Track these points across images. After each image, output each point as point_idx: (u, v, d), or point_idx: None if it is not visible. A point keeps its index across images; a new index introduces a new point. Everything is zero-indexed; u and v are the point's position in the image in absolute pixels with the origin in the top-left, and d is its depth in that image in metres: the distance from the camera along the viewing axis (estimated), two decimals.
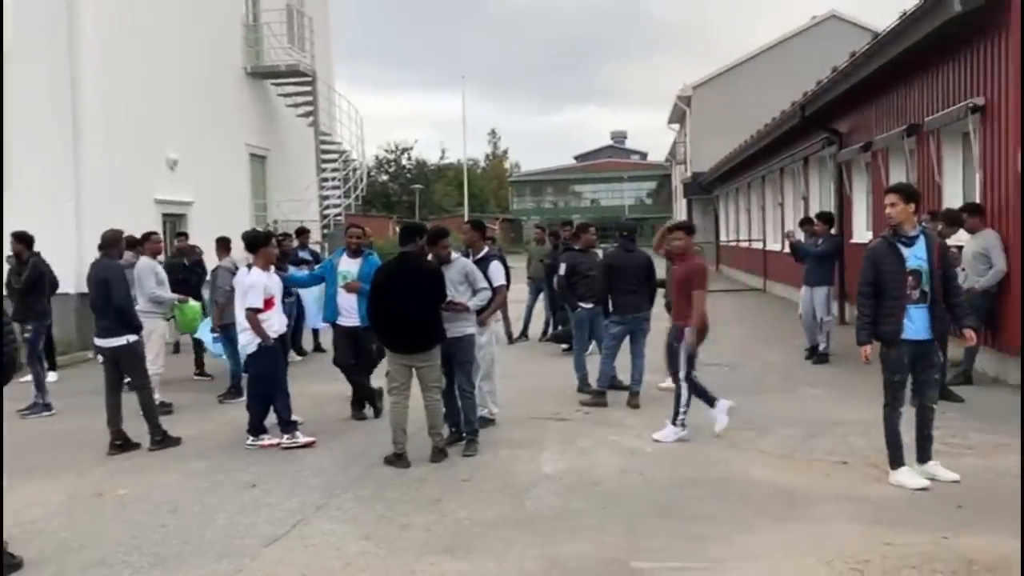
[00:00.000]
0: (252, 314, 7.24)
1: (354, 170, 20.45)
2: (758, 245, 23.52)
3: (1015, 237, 8.61)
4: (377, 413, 8.27)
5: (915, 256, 5.66)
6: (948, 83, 10.21)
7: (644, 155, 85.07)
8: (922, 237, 5.72)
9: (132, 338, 7.50)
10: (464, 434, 7.12)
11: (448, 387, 7.10)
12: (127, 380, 7.64)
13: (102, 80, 13.50)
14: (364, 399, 8.40)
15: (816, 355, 10.83)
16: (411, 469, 6.55)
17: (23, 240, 9.61)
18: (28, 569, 4.80)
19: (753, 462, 6.54)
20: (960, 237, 9.09)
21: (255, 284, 7.28)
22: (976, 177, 9.66)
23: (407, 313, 6.60)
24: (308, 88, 19.48)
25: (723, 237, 32.38)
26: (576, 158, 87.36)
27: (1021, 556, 3.68)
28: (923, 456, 5.90)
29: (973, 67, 9.54)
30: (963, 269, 8.58)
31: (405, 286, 6.63)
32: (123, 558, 4.93)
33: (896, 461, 5.84)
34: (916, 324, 5.69)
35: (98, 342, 7.66)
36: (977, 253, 8.71)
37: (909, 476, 5.79)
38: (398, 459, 6.63)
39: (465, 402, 7.09)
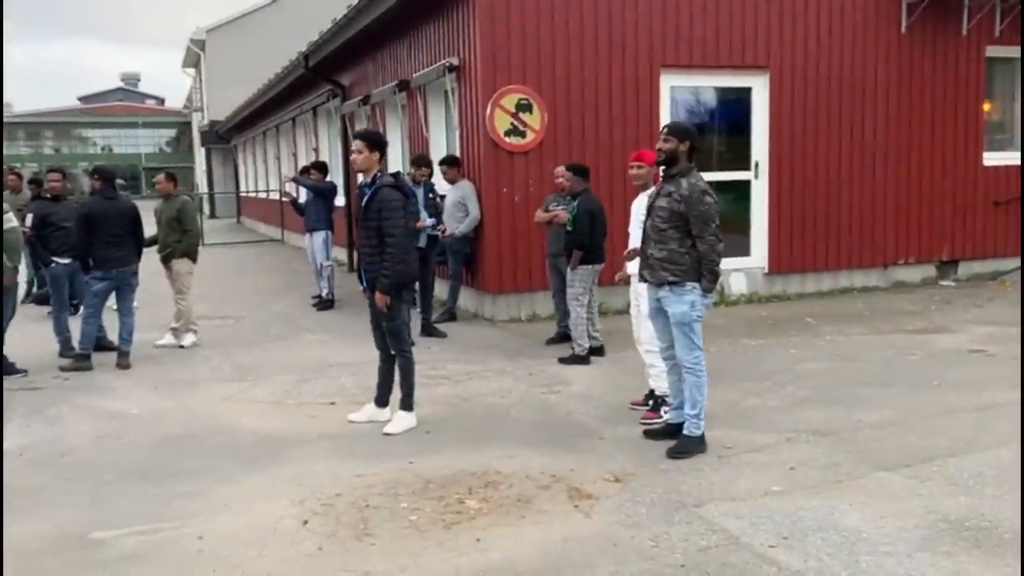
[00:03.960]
0: None
1: None
2: (275, 196, 23.41)
3: (486, 186, 9.59)
4: None
5: (362, 206, 5.79)
6: (431, 43, 10.96)
7: (161, 100, 79.73)
8: (370, 187, 5.76)
9: None
10: None
11: None
12: None
13: None
14: None
15: (320, 302, 11.09)
16: None
17: None
18: None
19: (243, 412, 6.47)
20: (443, 187, 9.89)
21: None
22: (456, 132, 10.56)
23: None
24: None
25: (243, 188, 31.69)
26: (81, 99, 78.78)
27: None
28: (379, 398, 6.16)
29: (449, 29, 10.35)
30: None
31: None
32: None
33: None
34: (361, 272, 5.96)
35: None
36: (456, 202, 9.55)
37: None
38: None
39: None
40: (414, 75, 11.33)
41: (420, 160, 9.52)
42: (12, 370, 7.62)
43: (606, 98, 9.83)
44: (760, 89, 10.57)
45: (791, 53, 10.49)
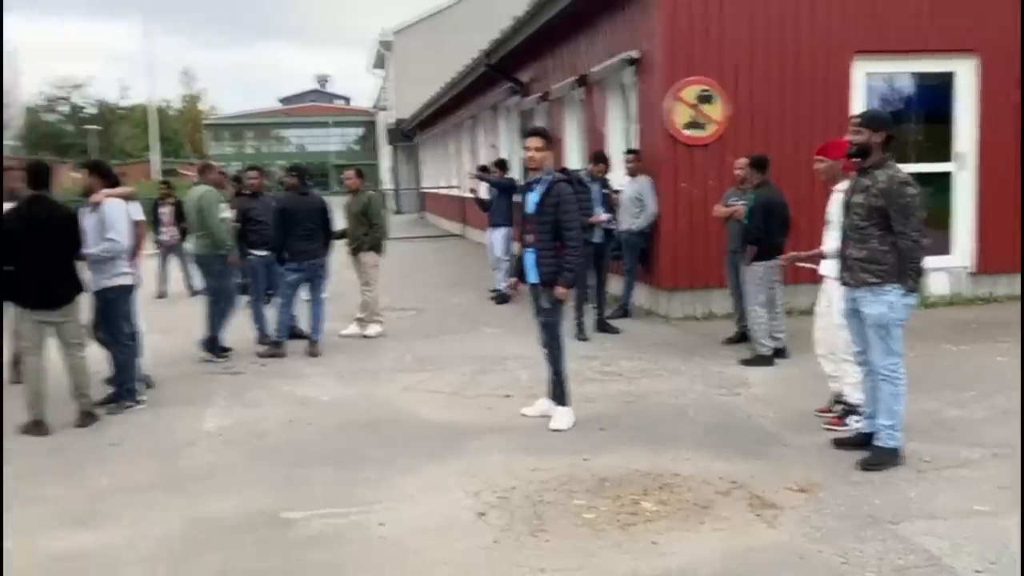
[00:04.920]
0: None
1: (6, 107, 18.07)
2: (456, 191, 24.03)
3: (663, 181, 9.40)
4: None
5: (531, 202, 5.84)
6: (609, 36, 10.86)
7: (348, 100, 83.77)
8: (542, 183, 5.76)
9: None
10: (117, 393, 6.58)
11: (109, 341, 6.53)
12: None
13: None
14: None
15: (498, 295, 11.26)
16: (51, 437, 5.93)
17: None
18: None
19: (423, 402, 6.64)
20: (620, 182, 9.78)
21: None
22: (633, 126, 10.41)
23: (37, 264, 5.89)
24: None
25: (425, 183, 32.76)
26: (281, 101, 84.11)
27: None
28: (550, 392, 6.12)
29: (629, 21, 10.21)
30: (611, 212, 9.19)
31: (36, 234, 5.90)
32: None
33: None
34: (527, 268, 5.94)
35: None
36: (632, 197, 9.42)
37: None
38: (35, 427, 5.97)
39: (115, 357, 6.53)
40: (592, 70, 11.27)
41: (598, 156, 9.46)
42: (218, 352, 8.16)
43: (793, 87, 9.40)
44: (966, 74, 9.77)
45: (1003, 36, 9.62)
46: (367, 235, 9.10)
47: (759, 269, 7.30)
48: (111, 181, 6.69)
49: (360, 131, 76.06)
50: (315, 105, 79.90)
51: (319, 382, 7.40)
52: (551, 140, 5.89)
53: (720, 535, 4.09)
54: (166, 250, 13.03)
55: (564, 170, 5.88)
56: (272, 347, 8.36)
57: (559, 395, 5.93)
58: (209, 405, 6.69)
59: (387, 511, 4.50)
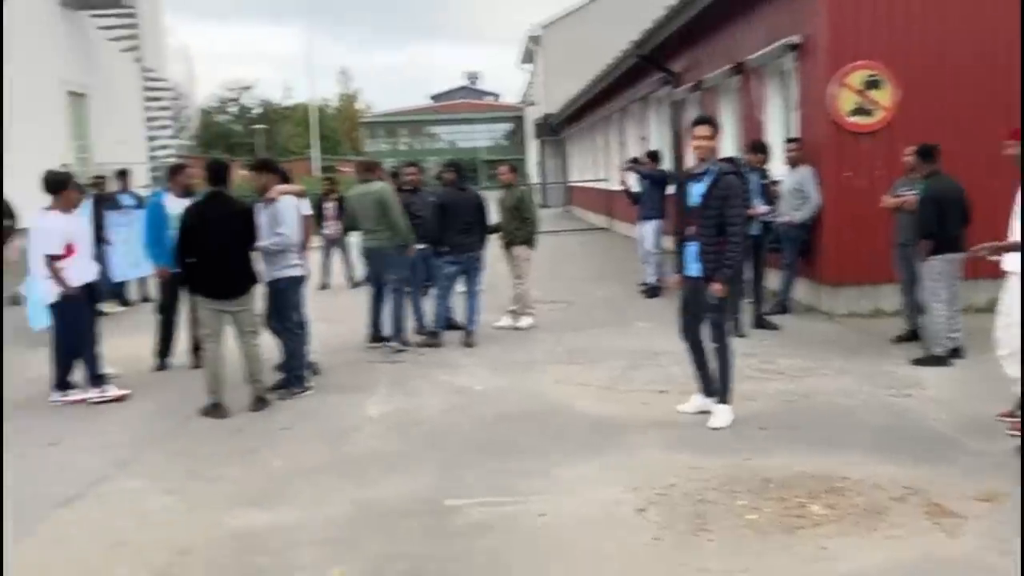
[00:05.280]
0: (51, 261, 6.71)
1: (183, 108, 19.32)
2: (603, 185, 23.91)
3: (826, 171, 9.01)
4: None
5: (696, 193, 5.70)
6: (769, 22, 10.49)
7: (497, 96, 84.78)
8: (709, 174, 5.63)
9: None
10: (287, 379, 6.92)
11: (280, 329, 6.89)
12: None
13: None
14: (170, 350, 8.05)
15: (647, 289, 11.12)
16: (229, 420, 6.29)
17: None
18: None
19: (576, 395, 6.64)
20: (779, 172, 9.45)
21: (53, 229, 6.72)
22: (793, 114, 10.03)
23: (218, 257, 6.27)
24: (131, 20, 18.14)
25: (572, 177, 32.78)
26: (433, 98, 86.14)
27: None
28: (704, 389, 6.00)
29: (790, 6, 9.83)
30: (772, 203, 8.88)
31: (216, 228, 6.28)
32: None
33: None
34: (687, 261, 5.80)
35: None
36: (793, 188, 9.08)
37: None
38: (215, 409, 6.35)
39: (286, 345, 6.87)
40: (749, 57, 10.92)
41: (756, 146, 9.17)
42: (392, 338, 8.39)
43: (971, 70, 8.79)
44: None
45: None
46: (520, 229, 9.18)
47: (936, 264, 6.88)
48: (282, 178, 7.05)
49: (508, 126, 76.91)
50: (465, 102, 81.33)
51: (474, 372, 7.53)
52: (719, 129, 5.76)
53: (895, 543, 3.88)
54: (329, 243, 13.59)
55: (731, 159, 5.71)
56: (429, 337, 8.58)
57: (722, 392, 5.79)
58: (372, 393, 6.93)
59: (546, 502, 4.52)
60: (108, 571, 3.94)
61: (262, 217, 6.59)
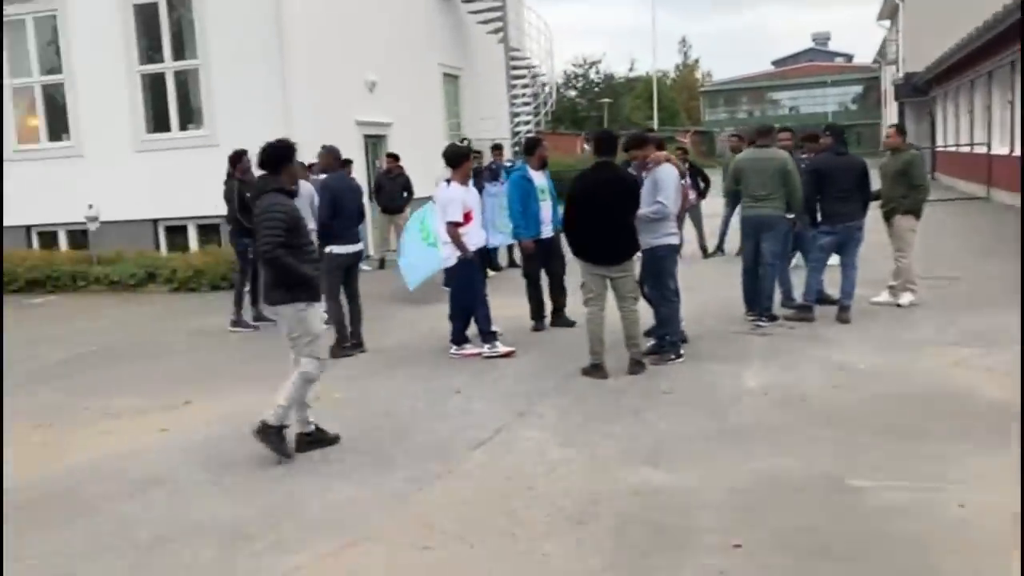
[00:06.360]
0: (452, 228, 7.39)
1: (543, 86, 20.29)
2: (981, 149, 21.46)
3: None
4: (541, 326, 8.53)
5: None
6: None
7: (849, 57, 79.26)
8: None
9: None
10: (660, 345, 7.03)
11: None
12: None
13: (307, 8, 13.95)
14: (544, 312, 8.59)
15: None
16: (609, 380, 6.54)
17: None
18: (246, 464, 5.19)
19: (978, 380, 6.04)
20: None
21: (454, 198, 7.39)
22: None
23: (604, 223, 6.50)
24: (498, 3, 19.39)
25: (940, 142, 29.78)
26: (775, 63, 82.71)
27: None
28: None
29: None
30: None
31: (602, 197, 6.52)
32: (340, 456, 5.24)
33: None
34: None
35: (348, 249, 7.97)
36: None
37: None
38: (595, 370, 6.63)
39: (660, 312, 6.99)
40: None
41: None
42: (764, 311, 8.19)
43: None
44: None
45: None
46: (905, 197, 8.49)
47: None
48: (658, 148, 7.11)
49: (859, 89, 71.75)
50: (811, 65, 77.05)
51: (854, 348, 7.13)
52: None
53: None
54: (682, 212, 13.56)
55: None
56: (800, 311, 8.26)
57: None
58: (746, 364, 6.83)
59: (963, 492, 4.17)
60: (527, 511, 4.27)
61: (644, 186, 6.72)
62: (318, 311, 5.34)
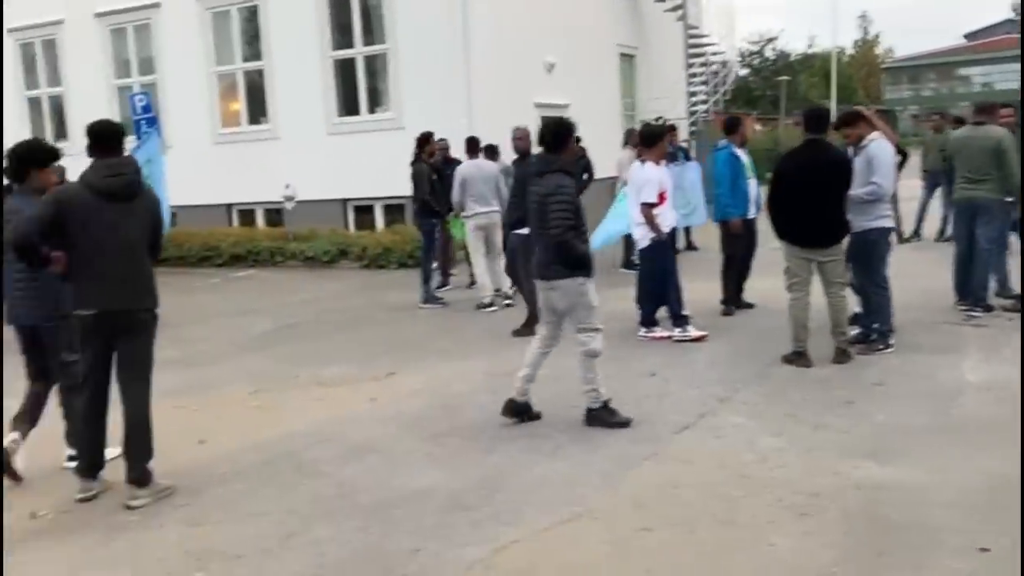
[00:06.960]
0: (647, 209, 7.29)
1: (723, 64, 19.73)
2: None
3: None
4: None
5: None
6: None
7: None
8: None
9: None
10: (871, 334, 6.69)
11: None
12: None
13: None
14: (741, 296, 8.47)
15: None
16: (813, 369, 6.29)
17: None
18: (453, 436, 5.32)
19: None
20: None
21: (650, 179, 7.28)
22: None
23: (812, 205, 6.23)
24: None
25: None
26: (967, 36, 76.98)
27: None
28: None
29: None
30: None
31: (811, 176, 6.24)
32: (544, 432, 5.28)
33: None
34: None
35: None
36: None
37: None
38: (799, 357, 6.39)
39: (870, 299, 6.65)
40: None
41: None
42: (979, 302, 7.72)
43: None
44: None
45: None
46: None
47: None
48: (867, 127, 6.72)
49: None
50: (1009, 37, 71.21)
51: None
52: None
53: None
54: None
55: None
56: (1018, 301, 7.66)
57: None
58: (963, 356, 6.42)
59: None
60: (745, 500, 4.17)
61: (856, 165, 6.39)
62: (594, 284, 5.37)
